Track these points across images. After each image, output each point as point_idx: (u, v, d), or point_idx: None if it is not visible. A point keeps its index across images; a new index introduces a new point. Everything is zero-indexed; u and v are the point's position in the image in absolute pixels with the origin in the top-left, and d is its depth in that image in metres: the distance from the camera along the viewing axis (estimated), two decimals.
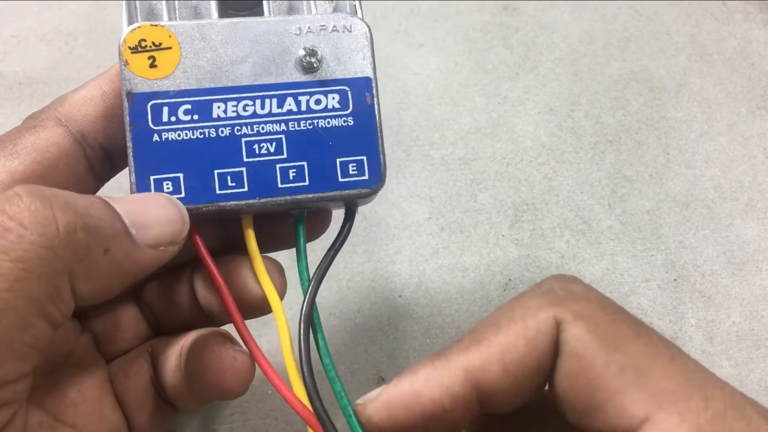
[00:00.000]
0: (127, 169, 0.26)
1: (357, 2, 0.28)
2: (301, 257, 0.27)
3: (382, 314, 0.39)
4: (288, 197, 0.26)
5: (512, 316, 0.22)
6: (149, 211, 0.24)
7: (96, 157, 0.27)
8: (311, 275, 0.26)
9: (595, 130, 0.44)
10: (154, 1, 0.27)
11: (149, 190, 0.25)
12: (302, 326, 0.25)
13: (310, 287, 0.26)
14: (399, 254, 0.40)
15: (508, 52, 0.47)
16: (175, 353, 0.28)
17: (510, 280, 0.40)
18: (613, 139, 0.44)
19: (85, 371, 0.27)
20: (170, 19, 0.27)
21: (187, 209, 0.25)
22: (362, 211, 0.42)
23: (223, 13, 0.28)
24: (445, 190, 0.42)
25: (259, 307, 0.27)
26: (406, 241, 0.41)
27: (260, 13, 0.28)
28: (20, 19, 0.46)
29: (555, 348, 0.22)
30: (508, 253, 0.41)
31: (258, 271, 0.27)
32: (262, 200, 0.26)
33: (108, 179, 0.28)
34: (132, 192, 0.26)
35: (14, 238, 0.20)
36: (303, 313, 0.26)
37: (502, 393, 0.22)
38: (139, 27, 0.26)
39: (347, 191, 0.26)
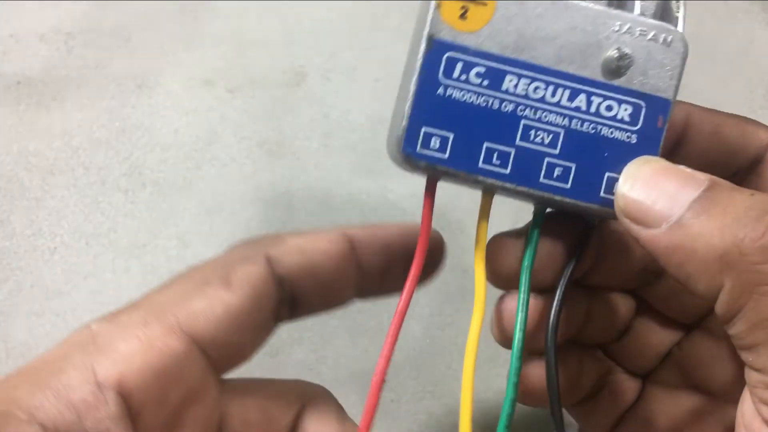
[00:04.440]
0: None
1: (682, 13, 0.26)
2: (529, 253, 0.26)
3: (382, 314, 0.39)
4: (545, 194, 0.25)
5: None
6: None
7: (283, 303, 0.27)
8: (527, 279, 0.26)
9: None
10: None
11: (417, 142, 0.24)
12: (549, 340, 0.25)
13: (557, 296, 0.26)
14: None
15: None
16: None
17: None
18: None
19: None
20: None
21: (446, 171, 0.24)
22: (362, 211, 0.41)
23: None
24: (446, 189, 0.42)
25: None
26: None
27: None
28: (19, 18, 0.45)
29: (758, 155, 0.28)
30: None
31: (477, 253, 0.25)
32: (519, 188, 0.24)
33: (274, 328, 0.27)
34: (400, 135, 0.24)
35: None
36: (550, 326, 0.26)
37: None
38: None
39: (606, 209, 0.24)
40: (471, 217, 0.26)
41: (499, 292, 0.27)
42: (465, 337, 0.39)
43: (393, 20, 0.47)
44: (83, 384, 0.22)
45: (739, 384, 0.24)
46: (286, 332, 0.36)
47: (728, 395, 0.26)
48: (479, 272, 0.25)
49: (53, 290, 0.39)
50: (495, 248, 0.26)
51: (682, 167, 0.24)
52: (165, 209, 0.41)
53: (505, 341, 0.27)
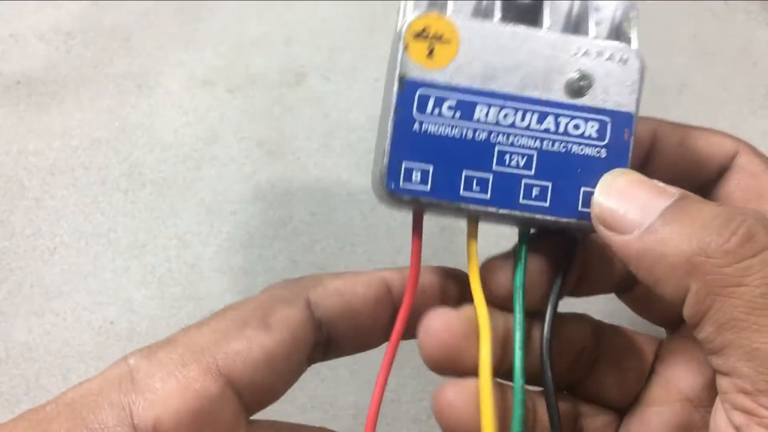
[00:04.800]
0: None
1: (634, 32, 0.27)
2: (519, 273, 0.27)
3: None
4: (526, 214, 0.26)
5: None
6: None
7: (318, 345, 0.27)
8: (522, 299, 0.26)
9: None
10: None
11: (399, 177, 0.25)
12: (545, 354, 0.26)
13: (549, 310, 0.26)
14: (399, 254, 0.40)
15: None
16: None
17: None
18: None
19: None
20: (451, 8, 0.27)
21: (429, 203, 0.25)
22: (363, 211, 0.41)
23: (506, 12, 0.27)
24: None
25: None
26: (406, 241, 0.41)
27: (538, 18, 0.27)
28: (18, 18, 0.45)
29: (724, 164, 0.29)
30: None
31: (471, 274, 0.27)
32: (501, 211, 0.26)
33: (305, 369, 0.27)
34: (382, 173, 0.25)
35: None
36: (544, 338, 0.26)
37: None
38: (426, 15, 0.26)
39: (585, 222, 0.26)
40: None
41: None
42: None
43: (393, 20, 0.47)
44: (119, 425, 0.22)
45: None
46: None
47: (712, 404, 0.25)
48: (477, 292, 0.26)
49: (53, 290, 0.39)
50: (488, 272, 0.27)
51: (655, 181, 0.25)
52: (165, 209, 0.41)
53: None
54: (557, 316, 0.27)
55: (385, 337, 0.28)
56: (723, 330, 0.22)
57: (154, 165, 0.42)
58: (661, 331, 0.32)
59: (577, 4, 0.28)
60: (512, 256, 0.27)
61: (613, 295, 0.31)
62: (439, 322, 0.26)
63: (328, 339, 0.27)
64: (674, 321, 0.30)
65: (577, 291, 0.29)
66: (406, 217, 0.27)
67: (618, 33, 0.28)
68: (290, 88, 0.44)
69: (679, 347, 0.29)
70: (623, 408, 0.30)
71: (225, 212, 0.41)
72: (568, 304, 0.28)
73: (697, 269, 0.22)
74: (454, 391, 0.26)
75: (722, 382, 0.23)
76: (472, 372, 0.26)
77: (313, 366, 0.27)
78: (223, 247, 0.40)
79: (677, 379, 0.28)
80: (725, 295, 0.21)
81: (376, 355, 0.37)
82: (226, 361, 0.24)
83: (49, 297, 0.39)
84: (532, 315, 0.27)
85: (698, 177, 0.29)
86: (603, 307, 0.36)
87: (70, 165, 0.42)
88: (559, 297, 0.27)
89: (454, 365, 0.26)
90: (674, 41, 0.47)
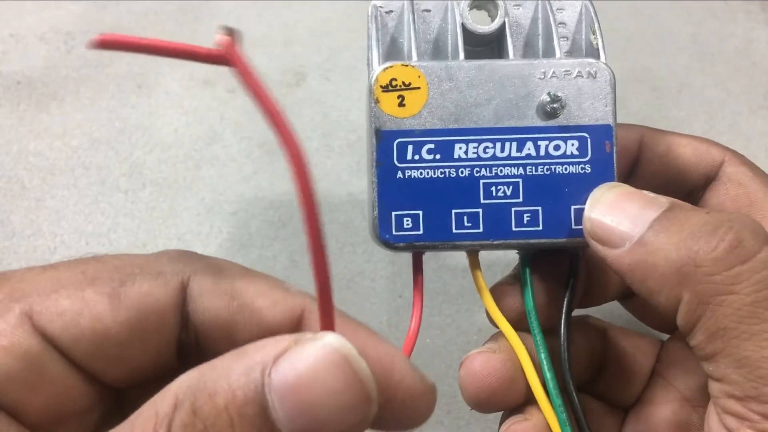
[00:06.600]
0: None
1: (600, 43, 0.27)
2: (527, 296, 0.27)
3: (382, 314, 0.39)
4: (521, 240, 0.26)
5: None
6: (318, 402, 0.17)
7: (186, 345, 0.23)
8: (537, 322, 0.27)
9: None
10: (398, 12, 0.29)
11: (391, 226, 0.26)
12: (566, 374, 0.27)
13: (564, 339, 0.27)
14: (398, 254, 0.40)
15: None
16: None
17: None
18: None
19: None
20: (415, 55, 0.27)
21: (424, 246, 0.26)
22: (363, 211, 0.41)
23: (470, 45, 0.27)
24: None
25: None
26: None
27: (503, 47, 0.28)
28: (19, 18, 0.45)
29: (711, 173, 0.29)
30: (509, 253, 0.40)
31: (488, 305, 0.27)
32: (495, 242, 0.26)
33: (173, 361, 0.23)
34: (374, 224, 0.26)
35: None
36: (563, 359, 0.27)
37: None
38: (391, 66, 0.26)
39: (581, 239, 0.26)
40: None
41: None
42: (465, 336, 0.39)
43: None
44: None
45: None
46: None
47: (706, 403, 0.26)
48: (495, 313, 0.27)
49: None
50: (497, 298, 0.27)
51: (645, 192, 0.25)
52: (165, 209, 0.41)
53: None
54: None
55: None
56: (714, 338, 0.22)
57: (154, 165, 0.42)
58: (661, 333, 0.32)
59: (540, 25, 0.28)
60: (516, 278, 0.28)
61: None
62: (481, 365, 0.26)
63: (196, 344, 0.22)
64: (673, 326, 0.30)
65: (581, 303, 0.29)
66: None
67: (585, 47, 0.28)
68: (290, 88, 0.44)
69: (678, 350, 0.29)
70: (627, 406, 0.30)
71: (225, 212, 0.41)
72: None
73: (688, 278, 0.22)
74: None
75: (714, 388, 0.23)
76: (513, 405, 0.27)
77: None
78: (223, 247, 0.40)
79: (676, 380, 0.29)
80: (716, 304, 0.22)
81: None
82: (43, 316, 0.20)
83: None
84: (546, 332, 0.27)
85: (685, 185, 0.29)
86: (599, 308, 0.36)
87: (70, 165, 0.42)
88: (570, 314, 0.27)
89: (499, 404, 0.27)
90: (674, 41, 0.47)
